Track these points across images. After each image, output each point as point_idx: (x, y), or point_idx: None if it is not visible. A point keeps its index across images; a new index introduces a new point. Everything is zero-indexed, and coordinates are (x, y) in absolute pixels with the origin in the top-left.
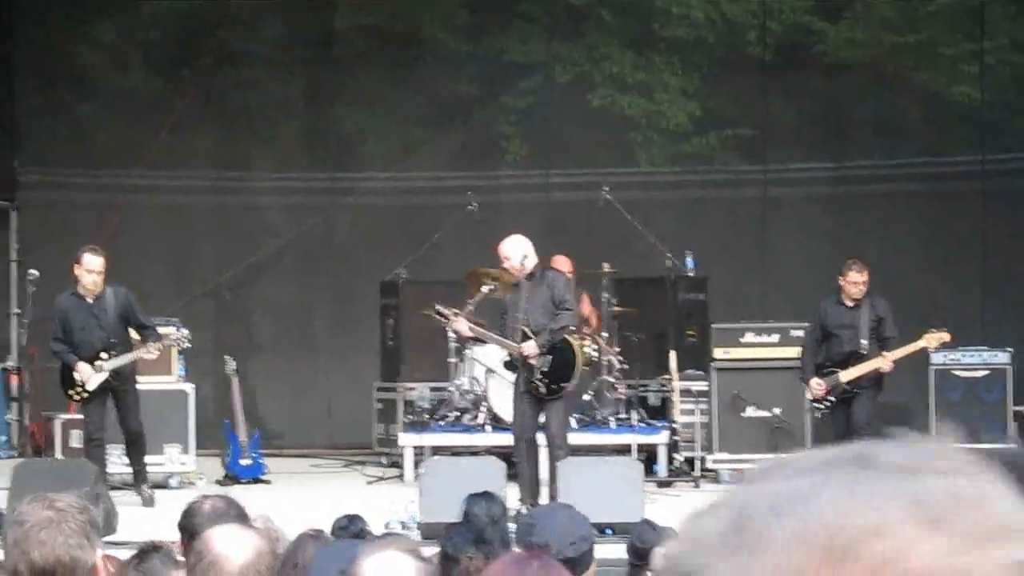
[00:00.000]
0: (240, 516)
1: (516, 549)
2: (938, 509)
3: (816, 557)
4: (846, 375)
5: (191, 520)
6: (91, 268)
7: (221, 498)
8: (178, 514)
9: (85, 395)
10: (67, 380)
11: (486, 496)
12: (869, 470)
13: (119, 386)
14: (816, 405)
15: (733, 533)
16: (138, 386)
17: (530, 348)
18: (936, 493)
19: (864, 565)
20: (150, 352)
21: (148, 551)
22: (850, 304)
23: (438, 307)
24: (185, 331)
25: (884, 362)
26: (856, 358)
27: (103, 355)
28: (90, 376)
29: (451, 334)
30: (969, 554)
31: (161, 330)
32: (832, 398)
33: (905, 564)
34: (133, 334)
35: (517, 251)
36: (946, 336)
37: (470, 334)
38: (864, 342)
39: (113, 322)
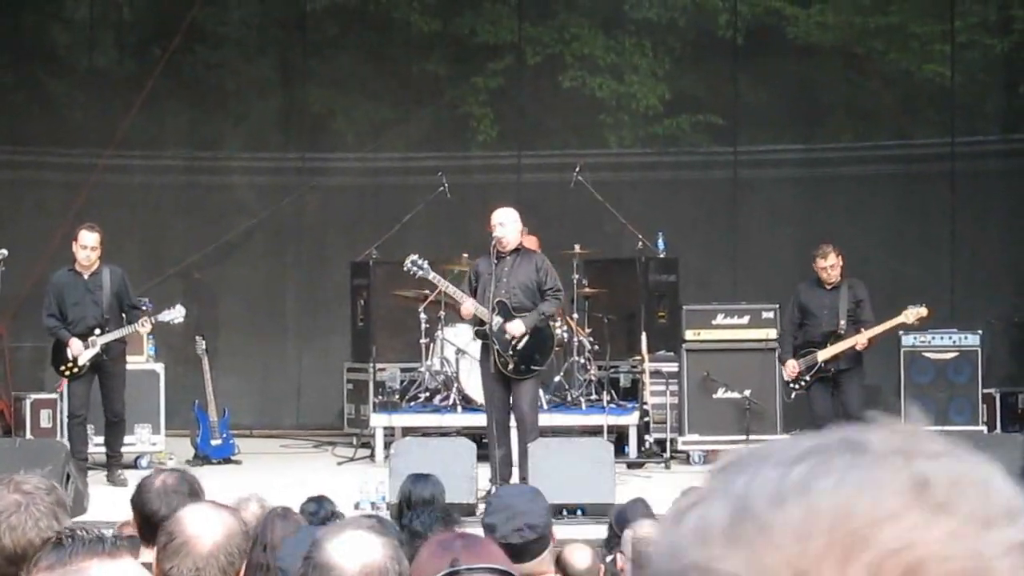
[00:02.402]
0: (193, 493)
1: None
2: (941, 493)
3: (824, 547)
4: (823, 354)
5: (142, 496)
6: (85, 244)
7: (173, 472)
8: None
9: (76, 370)
10: (59, 356)
11: (420, 479)
12: (864, 455)
13: (109, 365)
14: (792, 386)
15: (735, 524)
16: (127, 368)
17: (517, 328)
18: (936, 477)
19: (874, 553)
20: (144, 326)
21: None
22: (828, 287)
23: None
24: (181, 308)
25: (860, 338)
26: (835, 338)
27: (96, 331)
28: (81, 351)
29: (422, 314)
30: (977, 537)
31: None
32: (807, 378)
33: (916, 550)
34: None
35: (511, 220)
36: (923, 311)
37: (452, 294)
38: (842, 322)
39: (108, 300)
